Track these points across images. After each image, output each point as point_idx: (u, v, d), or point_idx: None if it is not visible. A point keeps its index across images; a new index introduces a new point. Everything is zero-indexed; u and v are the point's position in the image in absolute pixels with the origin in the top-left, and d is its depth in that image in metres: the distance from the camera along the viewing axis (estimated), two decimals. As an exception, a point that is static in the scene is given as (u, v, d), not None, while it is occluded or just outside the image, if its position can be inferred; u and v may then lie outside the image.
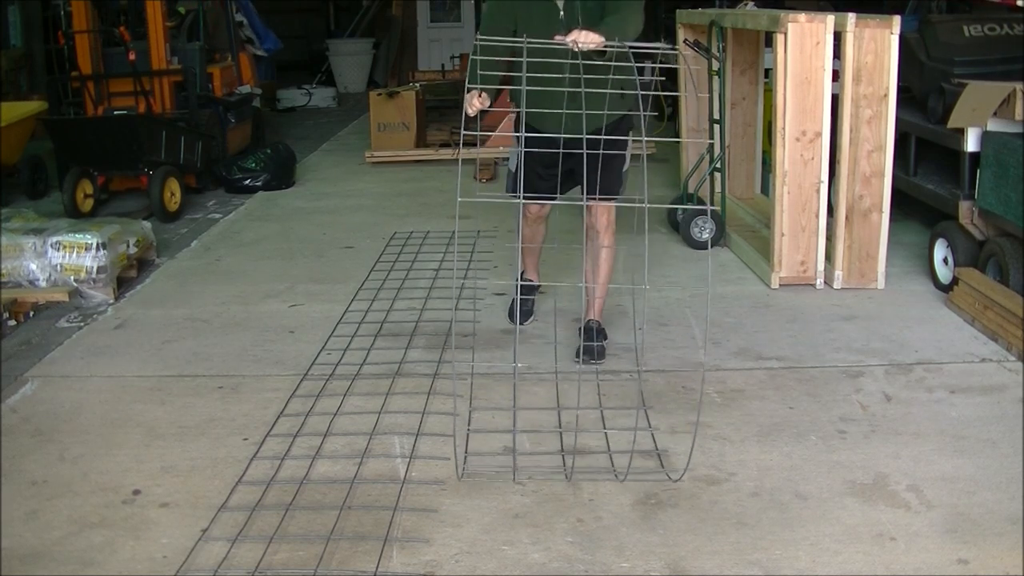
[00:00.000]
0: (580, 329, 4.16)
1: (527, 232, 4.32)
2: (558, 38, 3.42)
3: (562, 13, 3.83)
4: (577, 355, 4.04)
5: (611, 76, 3.51)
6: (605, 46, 3.40)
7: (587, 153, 3.30)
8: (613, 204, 4.04)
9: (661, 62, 7.75)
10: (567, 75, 3.44)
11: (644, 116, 3.13)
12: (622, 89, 3.77)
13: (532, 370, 3.99)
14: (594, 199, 3.82)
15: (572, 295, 4.65)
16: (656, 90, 9.05)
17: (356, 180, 8.21)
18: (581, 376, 3.88)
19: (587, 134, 3.27)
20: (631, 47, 3.43)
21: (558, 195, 4.06)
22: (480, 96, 3.71)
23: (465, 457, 3.26)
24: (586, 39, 3.40)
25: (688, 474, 3.13)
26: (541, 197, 4.03)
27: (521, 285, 4.46)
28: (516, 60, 3.36)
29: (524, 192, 3.85)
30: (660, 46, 3.52)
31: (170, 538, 2.85)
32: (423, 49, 14.62)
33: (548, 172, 3.98)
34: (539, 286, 4.65)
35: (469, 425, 3.49)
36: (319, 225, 6.60)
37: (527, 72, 3.18)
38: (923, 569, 2.65)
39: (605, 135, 3.61)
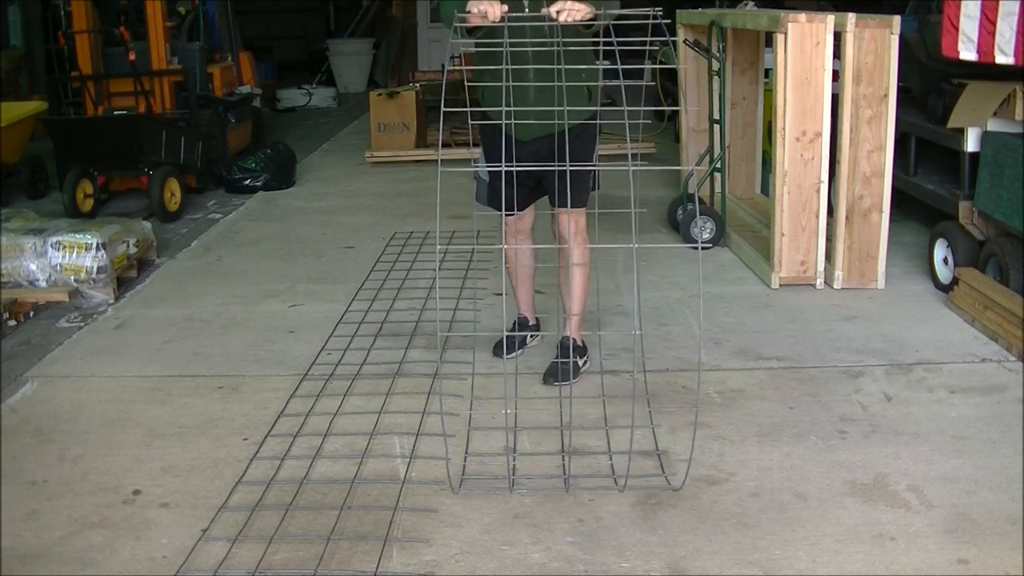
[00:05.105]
0: (556, 345, 3.98)
1: (511, 253, 4.01)
2: (543, 11, 3.21)
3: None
4: (545, 377, 3.88)
5: (581, 67, 3.32)
6: (591, 19, 3.19)
7: (554, 158, 3.11)
8: (582, 211, 3.79)
9: (660, 61, 7.73)
10: (532, 66, 3.28)
11: (626, 117, 2.98)
12: (588, 85, 3.57)
13: (532, 369, 3.98)
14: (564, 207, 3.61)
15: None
16: (656, 91, 9.05)
17: (356, 180, 8.22)
18: (583, 376, 3.89)
19: (554, 134, 3.14)
20: (618, 14, 3.20)
21: (530, 204, 3.88)
22: (492, 2, 3.27)
23: (465, 458, 3.26)
24: (569, 12, 3.16)
25: (688, 473, 3.13)
26: (515, 208, 3.79)
27: (514, 321, 4.21)
28: (486, 49, 3.17)
29: (496, 204, 3.77)
30: (648, 11, 3.15)
31: (170, 538, 2.85)
32: (423, 49, 14.61)
33: (517, 179, 3.63)
34: (535, 325, 4.25)
35: (470, 425, 3.49)
36: (319, 225, 6.60)
37: (495, 63, 3.03)
38: (923, 569, 2.65)
39: (570, 140, 3.39)
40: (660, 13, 3.16)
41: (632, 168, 2.83)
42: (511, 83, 3.10)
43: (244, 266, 5.68)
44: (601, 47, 3.32)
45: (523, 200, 3.87)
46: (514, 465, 3.20)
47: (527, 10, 3.52)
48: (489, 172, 3.89)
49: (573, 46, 3.30)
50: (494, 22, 3.26)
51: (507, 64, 3.05)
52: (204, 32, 8.78)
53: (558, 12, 3.21)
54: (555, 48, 3.20)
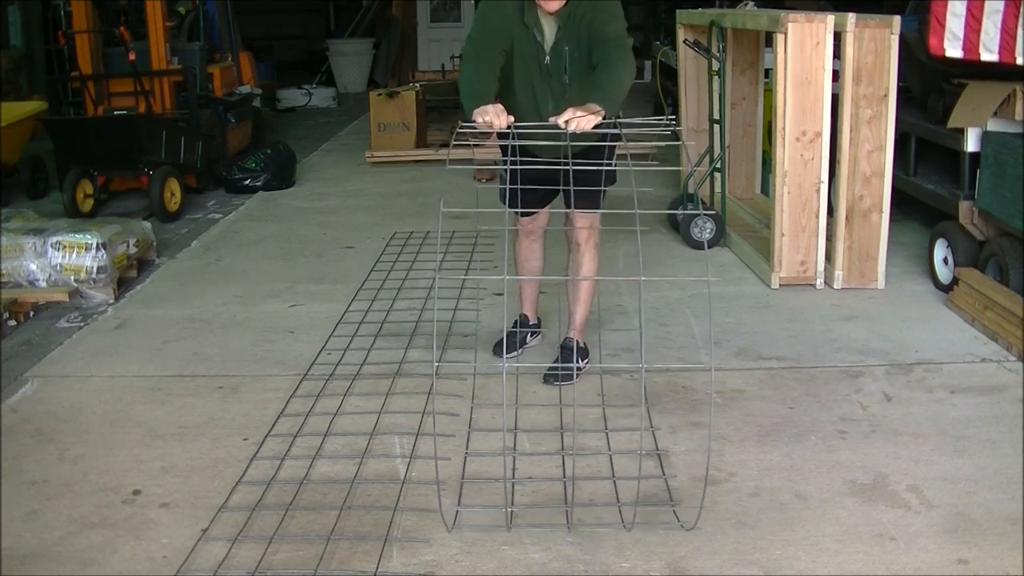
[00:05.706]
0: (558, 346, 4.01)
1: (521, 252, 4.07)
2: (551, 119, 3.27)
3: (547, 59, 3.61)
4: (546, 378, 3.88)
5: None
6: (602, 119, 3.24)
7: (570, 169, 3.17)
8: (595, 216, 3.82)
9: (660, 60, 7.72)
10: (552, 99, 3.38)
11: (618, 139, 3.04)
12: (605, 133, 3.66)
13: (533, 369, 3.98)
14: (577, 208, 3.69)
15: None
16: (655, 90, 9.04)
17: (356, 180, 8.22)
18: (583, 377, 3.89)
19: (570, 155, 3.23)
20: (626, 123, 3.27)
21: (545, 206, 3.93)
22: (498, 114, 3.33)
23: (465, 457, 3.26)
24: (578, 122, 3.20)
25: (688, 474, 3.13)
26: (529, 212, 3.88)
27: (515, 320, 4.25)
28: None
29: (512, 204, 3.81)
30: (660, 120, 3.25)
31: (170, 538, 2.85)
32: (423, 49, 14.61)
33: (532, 183, 3.70)
34: (536, 324, 4.29)
35: (470, 425, 3.49)
36: (319, 225, 6.60)
37: (513, 95, 3.12)
38: (923, 569, 2.65)
39: (586, 154, 3.51)
40: (673, 120, 3.23)
41: (632, 170, 2.86)
42: (525, 127, 3.26)
43: (244, 266, 5.68)
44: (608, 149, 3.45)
45: (538, 202, 3.90)
46: (514, 469, 3.20)
47: (547, 58, 3.61)
48: (505, 173, 3.92)
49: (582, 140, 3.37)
50: (500, 130, 3.31)
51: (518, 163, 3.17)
52: (204, 32, 8.78)
53: (567, 122, 3.23)
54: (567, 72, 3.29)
